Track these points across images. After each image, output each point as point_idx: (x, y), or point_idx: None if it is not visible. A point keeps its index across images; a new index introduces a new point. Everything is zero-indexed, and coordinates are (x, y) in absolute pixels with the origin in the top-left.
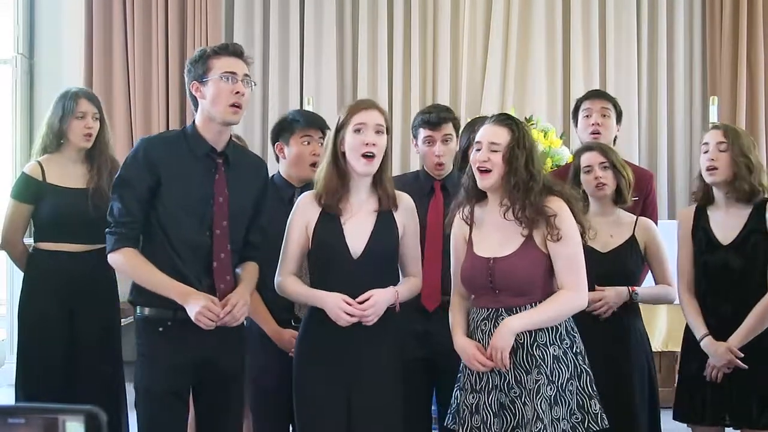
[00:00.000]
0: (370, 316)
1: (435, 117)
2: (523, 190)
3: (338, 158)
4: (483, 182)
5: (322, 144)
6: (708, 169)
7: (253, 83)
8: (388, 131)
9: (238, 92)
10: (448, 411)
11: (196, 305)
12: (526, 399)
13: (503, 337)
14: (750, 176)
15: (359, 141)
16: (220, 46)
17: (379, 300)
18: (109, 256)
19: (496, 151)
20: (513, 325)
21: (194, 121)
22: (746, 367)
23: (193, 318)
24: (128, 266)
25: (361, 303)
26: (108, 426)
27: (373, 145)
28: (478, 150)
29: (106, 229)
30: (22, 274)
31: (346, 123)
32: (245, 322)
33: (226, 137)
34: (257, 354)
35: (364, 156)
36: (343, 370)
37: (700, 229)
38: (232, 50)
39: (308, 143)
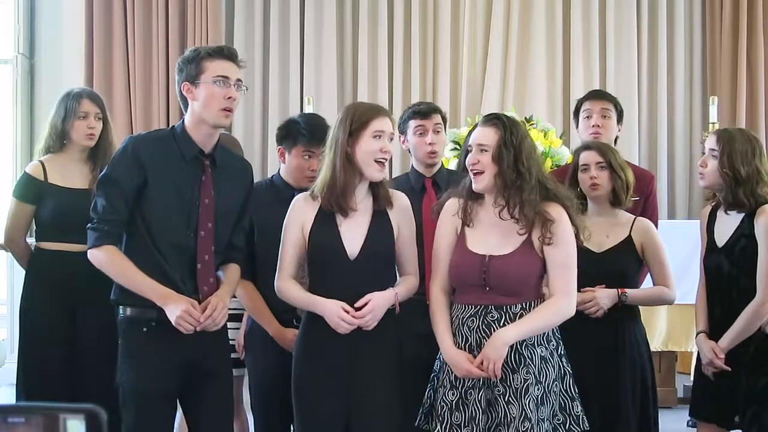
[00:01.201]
0: (369, 321)
1: (425, 107)
2: (514, 189)
3: (351, 159)
4: (476, 185)
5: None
6: (699, 173)
7: (244, 88)
8: None
9: (230, 97)
10: (420, 410)
11: (176, 309)
12: (510, 398)
13: (497, 349)
14: (738, 188)
15: (377, 147)
16: (214, 48)
17: (377, 305)
18: (89, 252)
19: (485, 152)
20: (507, 336)
21: (183, 120)
22: (729, 369)
23: (173, 322)
24: (109, 264)
25: (359, 308)
26: (108, 425)
27: (388, 152)
28: (470, 152)
29: (88, 225)
30: (23, 273)
31: (364, 127)
32: (248, 323)
33: (214, 139)
34: (259, 354)
35: (378, 162)
36: (341, 370)
37: (709, 229)
38: (227, 53)
39: (309, 158)
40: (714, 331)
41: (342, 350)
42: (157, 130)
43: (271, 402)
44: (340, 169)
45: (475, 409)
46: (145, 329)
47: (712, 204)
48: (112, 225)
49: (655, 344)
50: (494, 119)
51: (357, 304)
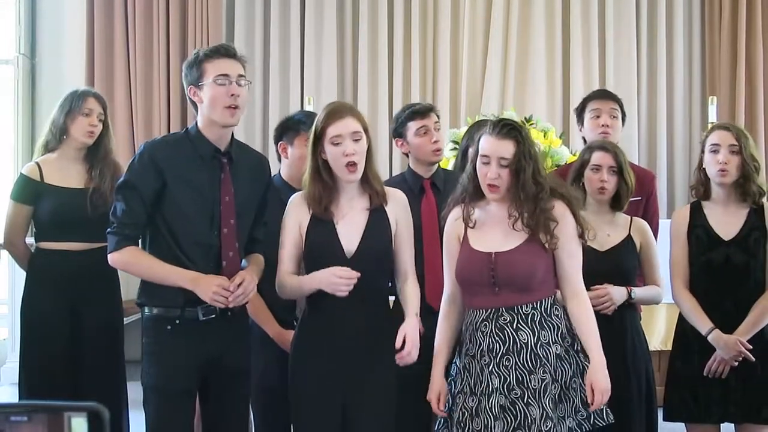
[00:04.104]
0: (412, 353)
1: (422, 107)
2: (533, 201)
3: (320, 168)
4: (493, 195)
5: None
6: (720, 171)
7: (248, 82)
8: (366, 131)
9: (233, 94)
10: (439, 416)
11: (210, 285)
12: (529, 399)
13: (605, 377)
14: (757, 177)
15: (339, 153)
16: (212, 48)
17: (414, 336)
18: (110, 255)
19: (504, 166)
20: (602, 362)
21: (196, 122)
22: (754, 359)
23: (208, 300)
24: (133, 263)
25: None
26: (110, 423)
27: (353, 154)
28: (485, 164)
29: (108, 230)
30: (24, 272)
31: (323, 135)
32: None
33: (228, 137)
34: (258, 354)
35: (347, 166)
36: (339, 370)
37: (698, 227)
38: (224, 52)
39: None
40: (725, 326)
41: (340, 346)
42: (171, 133)
43: (272, 401)
44: (309, 176)
45: (487, 416)
46: (169, 327)
47: (692, 202)
48: (131, 228)
49: (654, 344)
50: (510, 129)
51: (398, 342)
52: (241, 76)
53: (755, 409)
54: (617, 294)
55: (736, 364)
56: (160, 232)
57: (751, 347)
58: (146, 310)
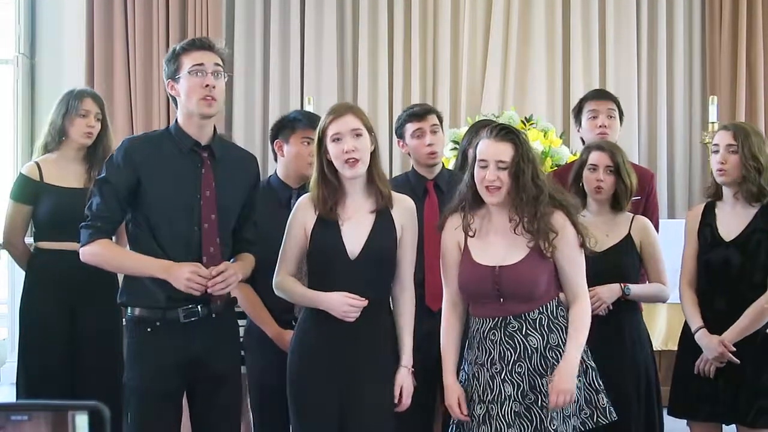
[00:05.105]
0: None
1: (420, 109)
2: (533, 204)
3: (324, 169)
4: (492, 199)
5: None
6: (718, 171)
7: (225, 74)
8: (370, 130)
9: (208, 85)
10: (450, 422)
11: (183, 272)
12: (544, 403)
13: (570, 379)
14: (759, 178)
15: (339, 150)
16: (188, 41)
17: (408, 388)
18: (83, 249)
19: (503, 169)
20: (574, 362)
21: (176, 119)
22: (738, 361)
23: (182, 288)
24: (105, 254)
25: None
26: (110, 422)
27: (353, 150)
28: (483, 167)
29: (81, 224)
30: (24, 273)
31: (325, 135)
32: (246, 323)
33: (208, 131)
34: (257, 354)
35: (347, 162)
36: (338, 367)
37: (707, 226)
38: (200, 44)
39: (308, 143)
40: (717, 326)
41: (339, 347)
42: (152, 131)
43: (271, 401)
44: (322, 178)
45: (499, 423)
46: (149, 329)
47: (706, 201)
48: (105, 222)
49: (655, 343)
50: (509, 133)
51: (396, 395)
52: (217, 65)
53: (743, 410)
54: (606, 292)
55: (721, 365)
56: (141, 229)
57: (735, 350)
58: (128, 310)
